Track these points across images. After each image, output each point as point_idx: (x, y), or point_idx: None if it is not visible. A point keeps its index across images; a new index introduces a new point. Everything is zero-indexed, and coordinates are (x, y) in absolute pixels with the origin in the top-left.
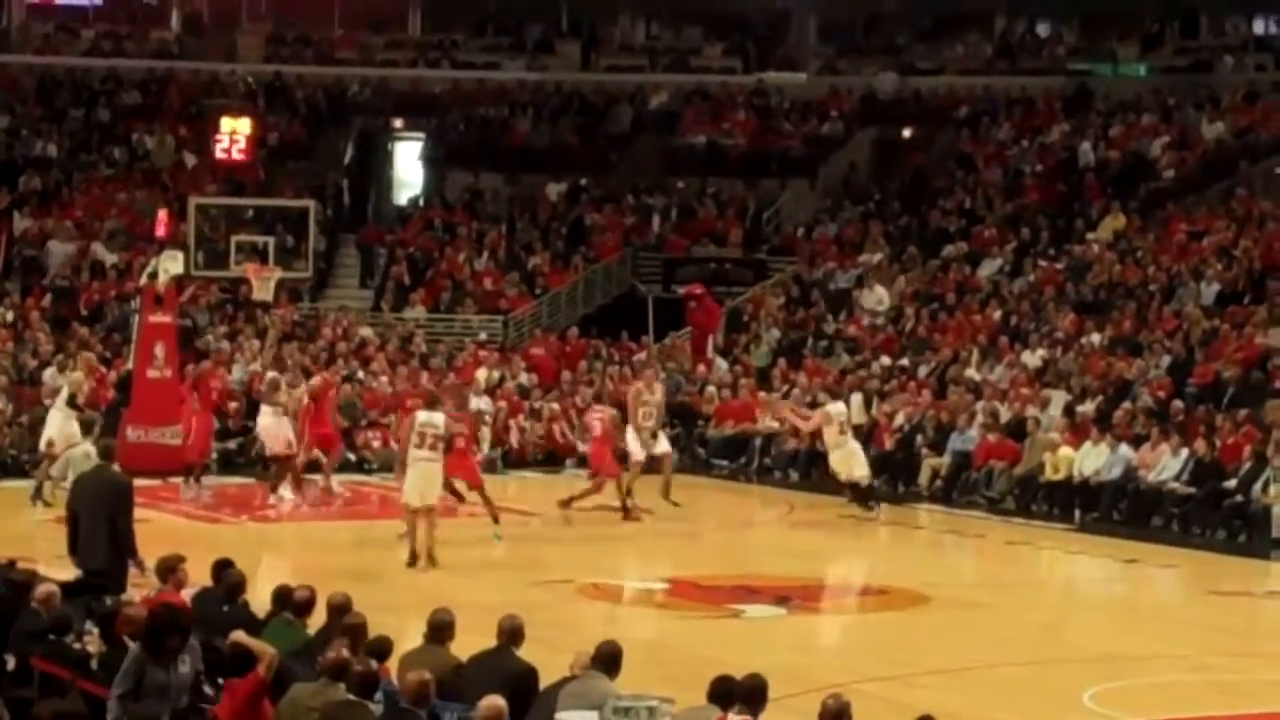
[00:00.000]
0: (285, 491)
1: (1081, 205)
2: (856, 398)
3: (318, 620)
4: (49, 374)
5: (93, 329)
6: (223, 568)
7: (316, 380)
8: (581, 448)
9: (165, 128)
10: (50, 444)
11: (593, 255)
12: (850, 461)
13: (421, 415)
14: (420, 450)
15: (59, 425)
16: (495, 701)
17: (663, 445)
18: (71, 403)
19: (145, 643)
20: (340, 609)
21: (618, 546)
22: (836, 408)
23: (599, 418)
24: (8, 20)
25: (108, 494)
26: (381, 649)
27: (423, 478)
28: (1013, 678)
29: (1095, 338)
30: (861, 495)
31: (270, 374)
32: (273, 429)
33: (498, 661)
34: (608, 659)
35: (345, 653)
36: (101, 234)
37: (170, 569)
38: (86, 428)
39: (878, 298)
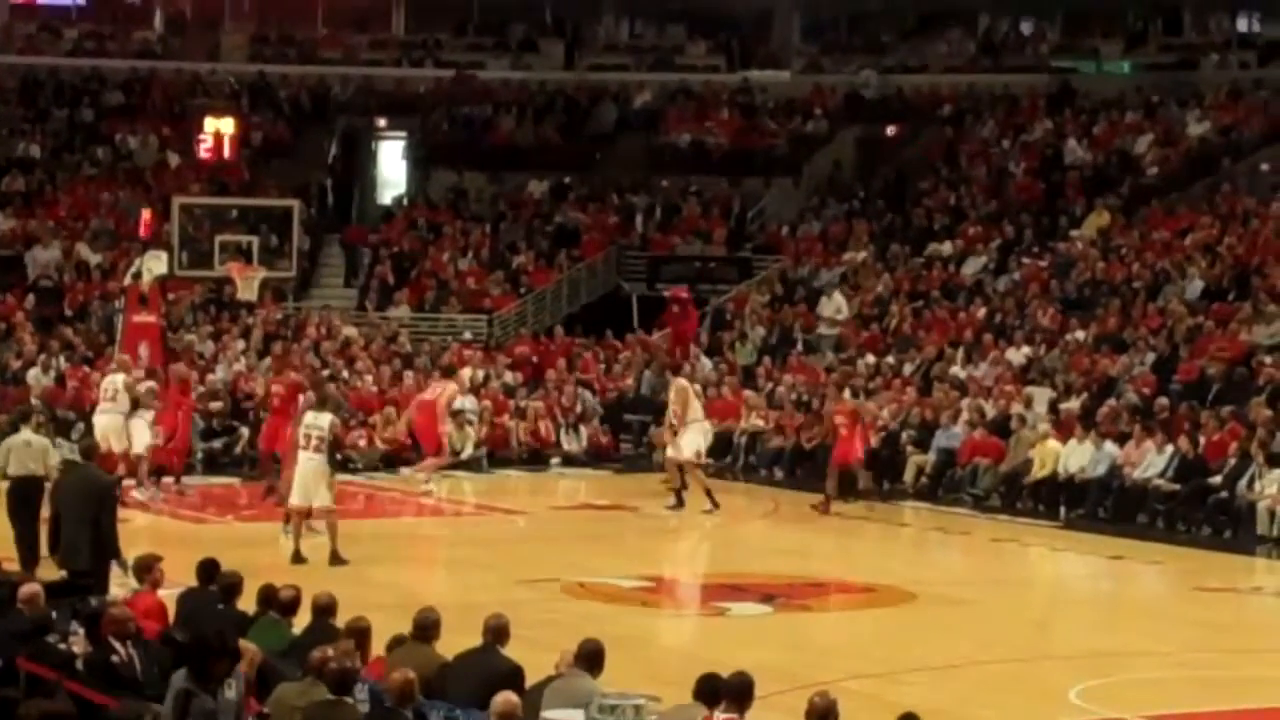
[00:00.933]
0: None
1: (1065, 203)
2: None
3: (303, 620)
4: (33, 374)
5: (77, 329)
6: (209, 567)
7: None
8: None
9: (149, 128)
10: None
11: (577, 254)
12: None
13: (308, 416)
14: (305, 451)
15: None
16: (509, 697)
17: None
18: (135, 404)
19: (191, 668)
20: (326, 609)
21: (603, 545)
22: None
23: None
24: None
25: (90, 494)
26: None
27: (305, 477)
28: (999, 675)
29: (1080, 335)
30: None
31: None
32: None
33: (483, 660)
34: (590, 656)
35: (330, 651)
36: (85, 234)
37: (147, 568)
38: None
39: (836, 306)
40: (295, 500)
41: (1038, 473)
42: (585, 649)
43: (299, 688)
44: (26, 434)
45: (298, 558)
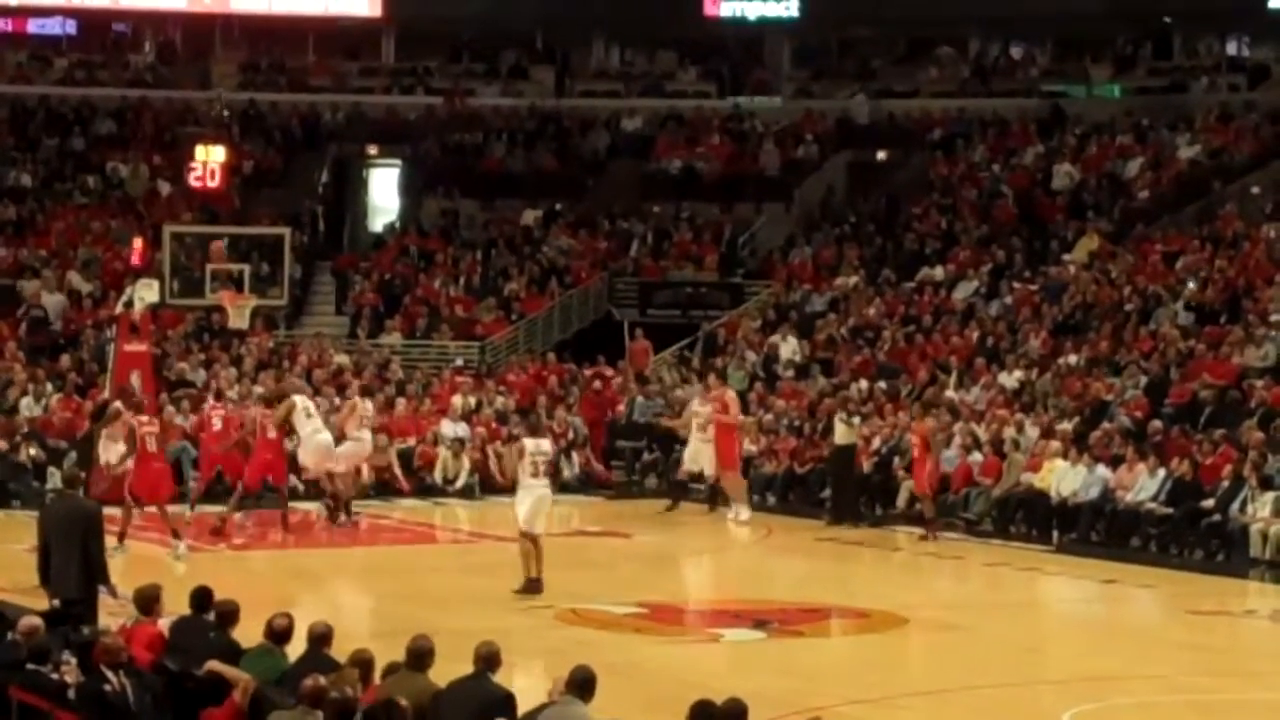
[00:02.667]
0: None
1: (1056, 227)
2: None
3: (296, 649)
4: (26, 403)
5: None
6: (203, 596)
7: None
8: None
9: (139, 156)
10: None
11: (569, 280)
12: None
13: (530, 444)
14: (535, 478)
15: None
16: None
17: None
18: None
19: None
20: (322, 638)
21: (596, 572)
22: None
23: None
24: None
25: (77, 522)
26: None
27: (539, 503)
28: (992, 699)
29: (1072, 359)
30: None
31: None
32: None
33: (474, 688)
34: (581, 684)
35: (322, 680)
36: (76, 263)
37: (155, 599)
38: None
39: (792, 349)
40: (527, 527)
41: (1039, 484)
42: (576, 676)
43: (292, 716)
44: None
45: (534, 585)
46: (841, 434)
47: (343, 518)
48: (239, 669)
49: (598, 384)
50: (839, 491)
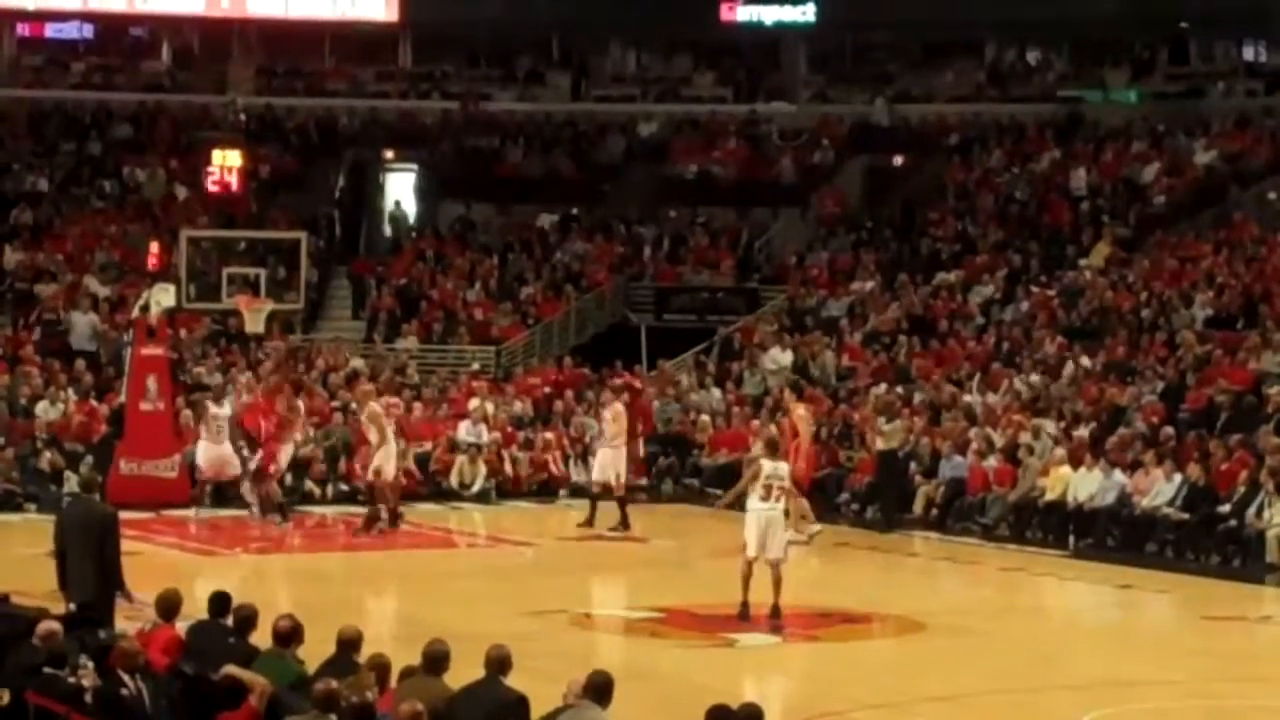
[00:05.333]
0: None
1: (1073, 232)
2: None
3: (314, 651)
4: (42, 407)
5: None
6: (222, 601)
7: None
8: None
9: (156, 160)
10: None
11: (585, 285)
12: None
13: (767, 465)
14: (766, 502)
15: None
16: None
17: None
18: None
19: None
20: (351, 643)
21: (611, 576)
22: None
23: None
24: None
25: (94, 526)
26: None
27: (767, 528)
28: (1008, 705)
29: (1088, 363)
30: None
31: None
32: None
33: (486, 692)
34: (599, 688)
35: (335, 684)
36: (93, 267)
37: (176, 605)
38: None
39: (772, 358)
40: (755, 552)
41: (1049, 495)
42: (594, 681)
43: None
44: None
45: (745, 612)
46: (884, 439)
47: (381, 524)
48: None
49: (625, 396)
50: (886, 498)
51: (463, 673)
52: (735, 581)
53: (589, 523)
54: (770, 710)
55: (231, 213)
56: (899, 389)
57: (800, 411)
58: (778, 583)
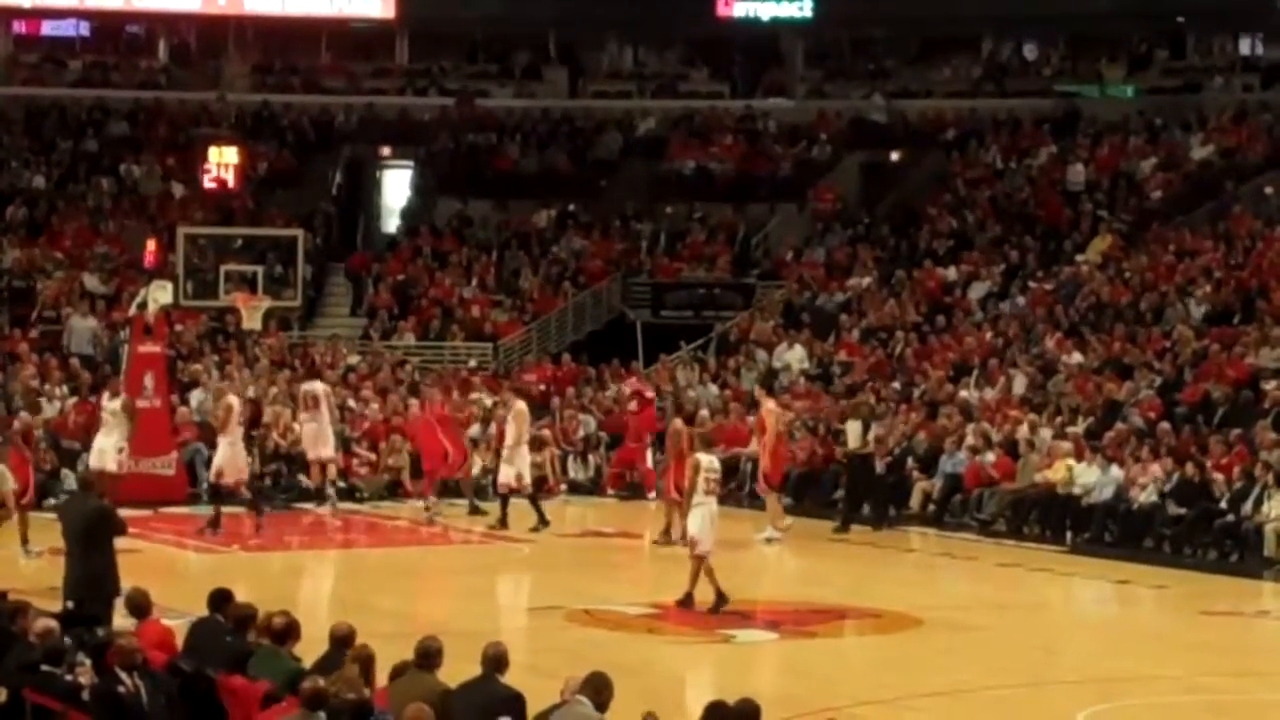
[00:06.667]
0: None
1: (1070, 227)
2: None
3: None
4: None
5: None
6: (222, 599)
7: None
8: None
9: (153, 158)
10: (220, 473)
11: (582, 281)
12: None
13: (705, 460)
14: (709, 496)
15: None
16: None
17: None
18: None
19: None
20: (345, 640)
21: (609, 573)
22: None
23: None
24: None
25: (91, 522)
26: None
27: (713, 521)
28: (1006, 700)
29: (1085, 358)
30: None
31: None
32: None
33: (482, 689)
34: (597, 688)
35: (321, 681)
36: (90, 264)
37: (147, 605)
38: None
39: (799, 356)
40: (707, 547)
41: (1059, 486)
42: (593, 679)
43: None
44: None
45: (722, 598)
46: (854, 439)
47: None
48: (248, 672)
49: (634, 405)
50: (850, 496)
51: (458, 669)
52: (735, 578)
53: (502, 524)
54: (767, 706)
55: (228, 209)
56: (895, 384)
57: (769, 407)
58: (699, 574)
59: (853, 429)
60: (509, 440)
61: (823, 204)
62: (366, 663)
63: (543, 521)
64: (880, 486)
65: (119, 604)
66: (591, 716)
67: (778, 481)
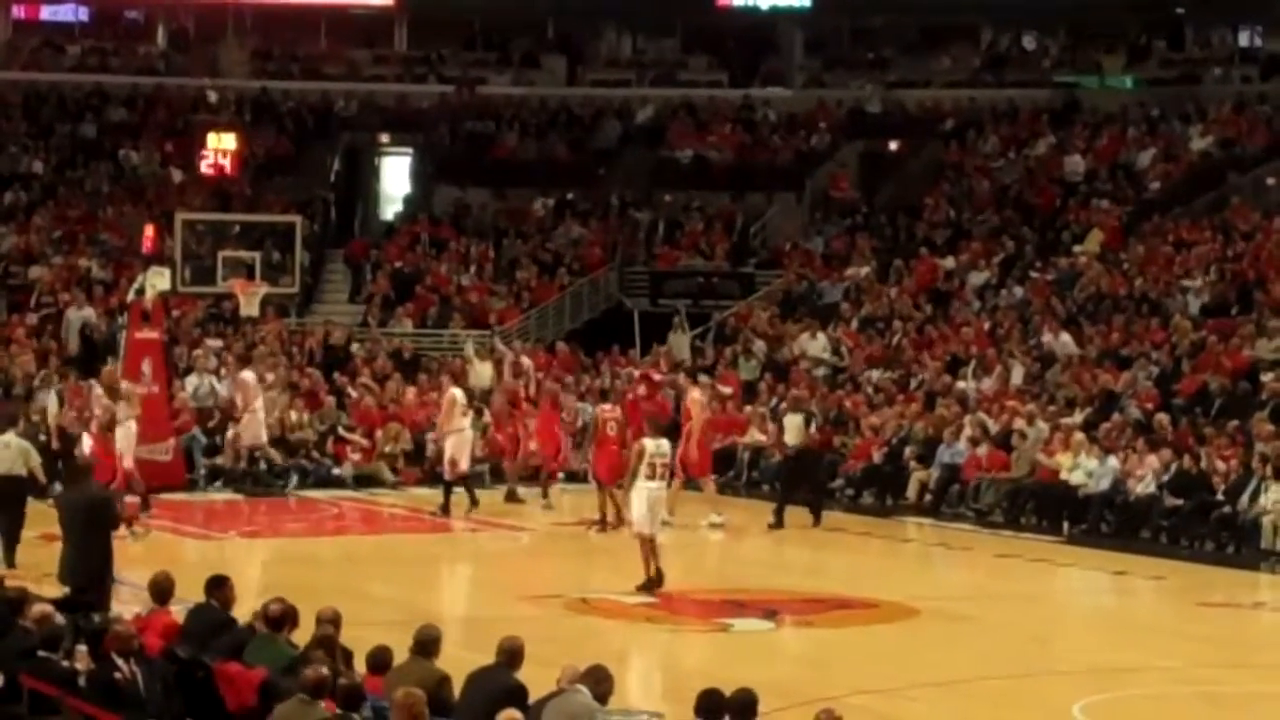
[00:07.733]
0: None
1: (1068, 217)
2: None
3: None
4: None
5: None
6: (218, 585)
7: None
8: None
9: (151, 143)
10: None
11: (579, 269)
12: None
13: (650, 445)
14: (652, 480)
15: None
16: (512, 714)
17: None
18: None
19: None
20: (329, 623)
21: (607, 561)
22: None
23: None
24: None
25: (89, 509)
26: (382, 660)
27: (655, 505)
28: (1002, 690)
29: (1082, 349)
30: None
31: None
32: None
33: (491, 677)
34: (597, 677)
35: (325, 670)
36: (88, 250)
37: (170, 589)
38: None
39: (821, 345)
40: (647, 530)
41: (1063, 474)
42: (594, 672)
43: (293, 707)
44: (6, 437)
45: (660, 579)
46: (792, 434)
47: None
48: (245, 659)
49: (642, 389)
50: (785, 491)
51: (457, 656)
52: (731, 566)
53: (444, 509)
54: (764, 695)
55: (227, 196)
56: (892, 374)
57: (694, 395)
58: (656, 551)
59: (792, 423)
60: (445, 425)
61: (838, 191)
62: (327, 643)
63: (473, 503)
64: (818, 482)
65: (117, 589)
66: (589, 705)
67: (707, 468)
